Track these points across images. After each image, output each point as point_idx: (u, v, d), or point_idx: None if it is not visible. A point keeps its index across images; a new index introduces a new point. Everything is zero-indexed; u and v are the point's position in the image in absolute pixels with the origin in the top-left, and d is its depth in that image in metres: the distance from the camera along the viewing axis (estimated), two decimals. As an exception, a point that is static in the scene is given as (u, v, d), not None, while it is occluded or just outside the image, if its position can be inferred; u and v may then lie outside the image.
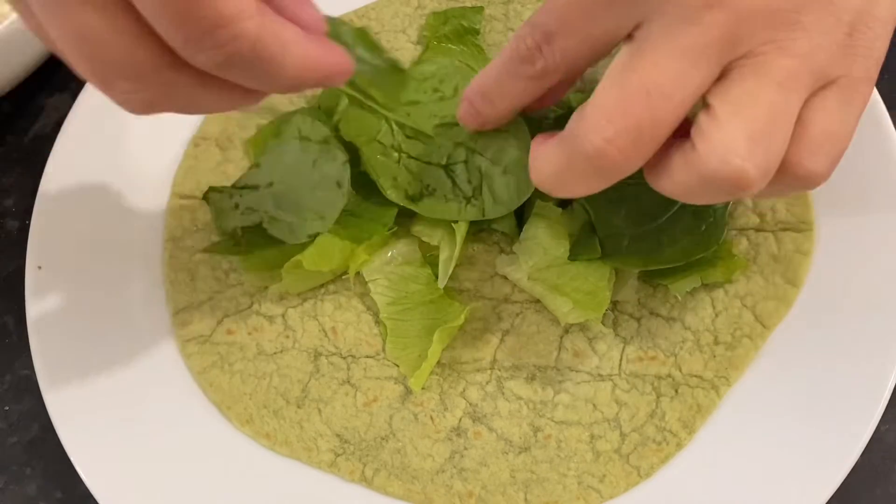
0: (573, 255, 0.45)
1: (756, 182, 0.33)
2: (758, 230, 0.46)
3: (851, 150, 0.46)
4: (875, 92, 0.45)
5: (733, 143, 0.32)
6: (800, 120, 0.34)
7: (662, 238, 0.44)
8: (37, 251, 0.48)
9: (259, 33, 0.30)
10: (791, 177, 0.34)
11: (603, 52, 0.36)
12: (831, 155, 0.35)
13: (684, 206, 0.44)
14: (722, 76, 0.33)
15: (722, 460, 0.43)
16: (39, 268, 0.48)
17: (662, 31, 0.33)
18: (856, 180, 0.45)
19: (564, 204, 0.46)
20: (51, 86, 0.58)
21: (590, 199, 0.45)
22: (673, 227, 0.44)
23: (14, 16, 0.49)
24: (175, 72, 0.31)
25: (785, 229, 0.46)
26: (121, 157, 0.50)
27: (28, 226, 0.49)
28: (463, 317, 0.45)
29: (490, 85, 0.40)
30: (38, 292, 0.48)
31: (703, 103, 0.33)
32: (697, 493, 0.42)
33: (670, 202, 0.44)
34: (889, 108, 0.45)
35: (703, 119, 0.33)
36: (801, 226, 0.46)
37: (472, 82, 0.41)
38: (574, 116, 0.35)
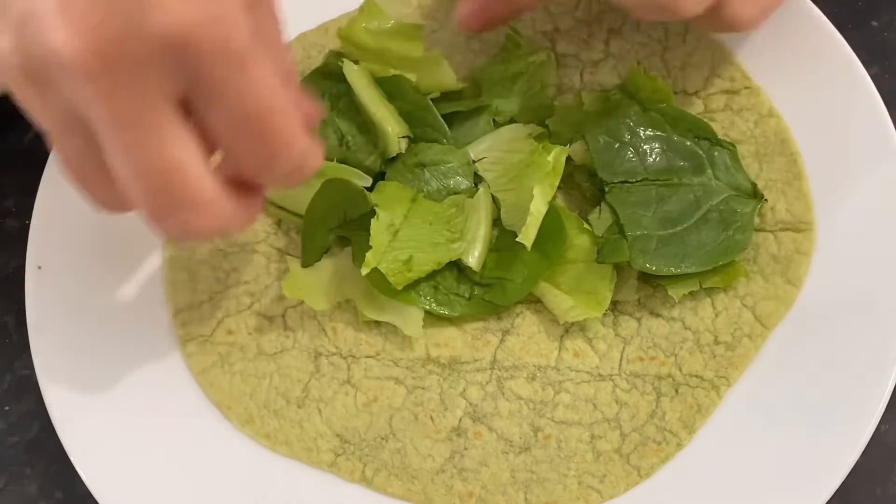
0: (601, 258, 0.45)
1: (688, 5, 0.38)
2: (757, 230, 0.46)
3: (851, 148, 0.46)
4: (874, 91, 0.45)
5: None
6: None
7: (689, 242, 0.44)
8: (37, 251, 0.48)
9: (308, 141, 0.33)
10: (721, 16, 0.39)
11: None
12: (761, 5, 0.39)
13: (711, 211, 0.44)
14: None
15: (722, 460, 0.43)
16: (39, 268, 0.48)
17: None
18: (855, 180, 0.45)
19: (591, 206, 0.46)
20: (51, 86, 0.58)
21: (618, 200, 0.45)
22: (699, 232, 0.44)
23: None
24: (228, 201, 0.33)
25: (785, 229, 0.46)
26: (121, 157, 0.50)
27: (28, 226, 0.49)
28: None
29: None
30: (38, 292, 0.47)
31: None
32: (697, 493, 0.42)
33: (697, 206, 0.45)
34: (889, 108, 0.45)
35: None
36: (801, 226, 0.46)
37: None
38: None
